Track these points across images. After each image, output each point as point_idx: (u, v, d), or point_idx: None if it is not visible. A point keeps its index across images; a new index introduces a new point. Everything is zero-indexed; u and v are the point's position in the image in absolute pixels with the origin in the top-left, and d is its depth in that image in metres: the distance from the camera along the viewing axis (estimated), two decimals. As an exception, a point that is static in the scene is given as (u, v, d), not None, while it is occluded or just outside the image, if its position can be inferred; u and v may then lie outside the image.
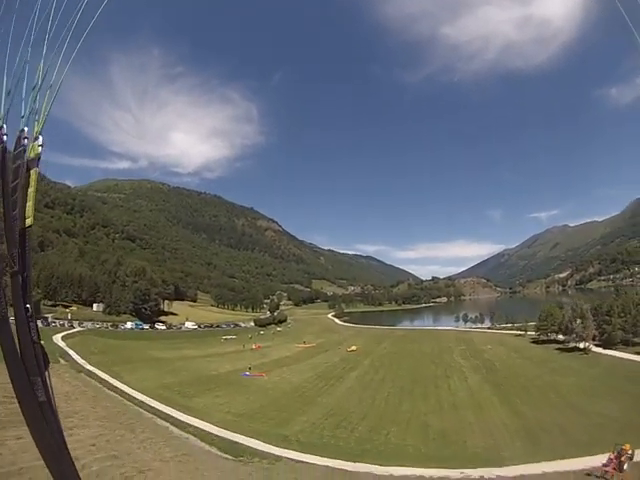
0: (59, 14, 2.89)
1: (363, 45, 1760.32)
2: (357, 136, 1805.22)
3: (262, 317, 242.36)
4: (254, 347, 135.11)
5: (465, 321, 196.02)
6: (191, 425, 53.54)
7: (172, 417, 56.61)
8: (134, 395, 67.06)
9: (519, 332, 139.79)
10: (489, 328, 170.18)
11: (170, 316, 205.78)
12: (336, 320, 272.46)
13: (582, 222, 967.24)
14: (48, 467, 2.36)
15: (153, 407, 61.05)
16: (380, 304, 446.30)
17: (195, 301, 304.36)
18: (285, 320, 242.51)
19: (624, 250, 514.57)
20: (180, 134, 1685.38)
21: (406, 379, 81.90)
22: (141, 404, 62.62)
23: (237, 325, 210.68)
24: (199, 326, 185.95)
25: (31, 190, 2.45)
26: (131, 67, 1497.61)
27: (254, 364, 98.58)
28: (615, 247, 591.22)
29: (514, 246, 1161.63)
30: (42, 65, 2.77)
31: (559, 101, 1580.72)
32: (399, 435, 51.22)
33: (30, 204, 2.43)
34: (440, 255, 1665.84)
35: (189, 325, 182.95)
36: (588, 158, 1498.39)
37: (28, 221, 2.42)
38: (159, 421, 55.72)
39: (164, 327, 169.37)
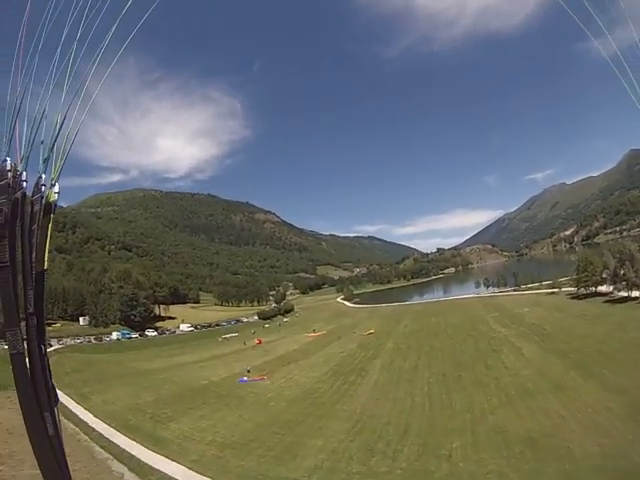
0: (76, 66, 3.00)
1: (339, 24, 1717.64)
2: (344, 116, 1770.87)
3: (266, 309, 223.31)
4: (256, 342, 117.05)
5: (487, 286, 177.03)
6: (156, 470, 35.52)
7: (133, 458, 38.50)
8: (93, 425, 48.43)
9: (551, 290, 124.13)
10: (515, 290, 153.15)
11: (168, 321, 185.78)
12: (346, 303, 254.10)
13: (579, 178, 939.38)
14: None
15: (112, 442, 42.57)
16: (389, 282, 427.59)
17: (198, 302, 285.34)
18: (292, 310, 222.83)
19: (627, 201, 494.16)
20: (166, 139, 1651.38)
21: (445, 362, 63.19)
22: (98, 438, 44.01)
23: (239, 321, 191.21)
24: (195, 327, 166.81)
25: (47, 235, 2.58)
26: (108, 79, 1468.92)
27: (255, 364, 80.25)
28: (615, 200, 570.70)
29: (513, 210, 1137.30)
30: (59, 115, 2.85)
31: (541, 59, 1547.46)
32: (467, 454, 32.76)
33: (46, 249, 2.56)
34: (441, 227, 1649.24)
35: (184, 328, 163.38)
36: (577, 114, 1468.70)
37: (44, 265, 2.54)
38: (115, 465, 37.63)
39: (155, 333, 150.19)
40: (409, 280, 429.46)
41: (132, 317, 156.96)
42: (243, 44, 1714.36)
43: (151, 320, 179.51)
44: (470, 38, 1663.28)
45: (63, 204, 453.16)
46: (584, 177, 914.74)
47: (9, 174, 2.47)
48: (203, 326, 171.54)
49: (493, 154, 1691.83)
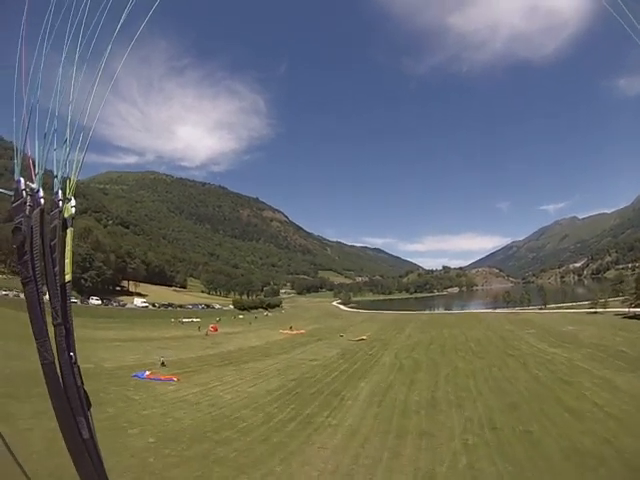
0: (81, 75, 2.86)
1: (372, 34, 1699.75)
2: (364, 126, 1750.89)
3: (245, 299, 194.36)
4: (211, 330, 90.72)
5: (507, 302, 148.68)
6: None
7: None
8: None
9: (592, 310, 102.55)
10: (540, 309, 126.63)
11: (135, 297, 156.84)
12: (341, 307, 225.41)
13: (591, 214, 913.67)
14: None
15: None
16: (390, 293, 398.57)
17: (185, 287, 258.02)
18: (278, 305, 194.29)
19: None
20: (187, 127, 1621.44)
21: (486, 396, 33.53)
22: None
23: (209, 306, 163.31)
24: (153, 305, 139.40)
25: (68, 248, 2.57)
26: (136, 60, 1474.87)
27: (182, 357, 52.67)
28: (626, 238, 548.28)
29: (522, 238, 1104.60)
30: (68, 131, 2.78)
31: (567, 92, 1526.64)
32: None
33: (68, 261, 2.57)
34: (448, 248, 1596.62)
35: (138, 303, 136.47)
36: (596, 150, 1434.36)
37: (67, 277, 2.54)
38: None
39: (99, 302, 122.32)
40: (412, 293, 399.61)
41: (82, 281, 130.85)
42: (274, 42, 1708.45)
43: (116, 293, 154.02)
44: (499, 63, 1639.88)
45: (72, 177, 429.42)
46: (596, 213, 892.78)
47: (24, 193, 2.46)
48: (163, 305, 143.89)
49: (508, 181, 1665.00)
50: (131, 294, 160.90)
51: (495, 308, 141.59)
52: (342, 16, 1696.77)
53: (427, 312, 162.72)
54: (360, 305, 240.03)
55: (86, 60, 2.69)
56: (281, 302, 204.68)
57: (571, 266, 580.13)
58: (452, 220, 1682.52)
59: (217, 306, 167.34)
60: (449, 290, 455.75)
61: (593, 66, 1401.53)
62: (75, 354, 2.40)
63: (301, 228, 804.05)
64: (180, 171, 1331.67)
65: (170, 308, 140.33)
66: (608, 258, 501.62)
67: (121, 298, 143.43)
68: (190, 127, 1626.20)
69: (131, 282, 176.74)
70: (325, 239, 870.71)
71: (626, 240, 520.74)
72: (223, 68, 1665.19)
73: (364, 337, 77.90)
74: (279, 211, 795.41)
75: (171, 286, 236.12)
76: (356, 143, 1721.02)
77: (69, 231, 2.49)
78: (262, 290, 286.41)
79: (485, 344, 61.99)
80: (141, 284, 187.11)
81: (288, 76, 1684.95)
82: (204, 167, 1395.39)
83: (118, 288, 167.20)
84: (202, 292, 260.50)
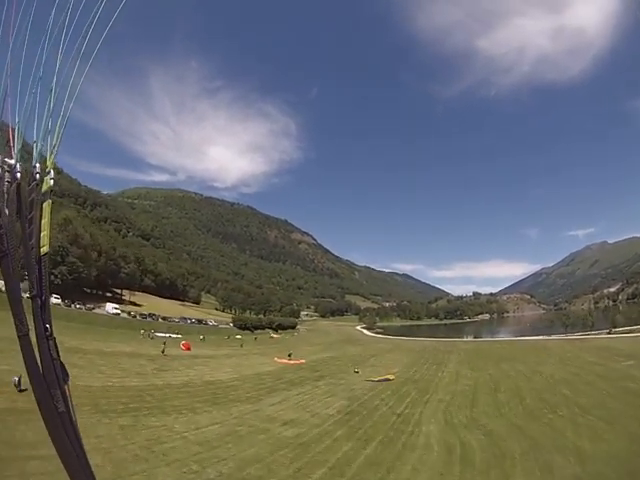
0: (62, 53, 2.81)
1: (401, 58, 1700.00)
2: (393, 151, 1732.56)
3: (248, 316, 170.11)
4: (182, 347, 73.19)
5: (566, 326, 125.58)
6: None
7: None
8: None
9: None
10: (608, 333, 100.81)
11: (128, 306, 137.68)
12: (365, 332, 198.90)
13: (621, 238, 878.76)
14: (67, 472, 2.41)
15: None
16: (418, 318, 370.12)
17: (198, 303, 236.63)
18: (293, 327, 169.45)
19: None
20: (218, 149, 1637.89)
21: None
22: None
23: (201, 322, 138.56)
24: (129, 313, 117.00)
25: (45, 221, 2.56)
26: (169, 79, 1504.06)
27: (81, 385, 28.16)
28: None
29: (552, 265, 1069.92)
30: (50, 104, 2.79)
31: (593, 113, 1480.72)
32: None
33: (45, 234, 2.54)
34: (476, 275, 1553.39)
35: (109, 309, 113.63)
36: (624, 172, 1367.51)
37: (44, 249, 2.51)
38: None
39: (60, 301, 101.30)
40: (441, 319, 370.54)
41: (52, 277, 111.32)
42: (305, 66, 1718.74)
43: (105, 299, 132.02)
44: (526, 86, 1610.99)
45: (103, 191, 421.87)
46: (627, 237, 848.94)
47: (0, 169, 2.45)
48: (142, 315, 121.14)
49: (536, 207, 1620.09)
50: (123, 302, 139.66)
51: (550, 334, 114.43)
52: (373, 41, 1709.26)
53: (467, 339, 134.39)
54: (386, 330, 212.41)
55: (69, 34, 2.66)
56: (296, 324, 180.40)
57: (605, 291, 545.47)
58: (480, 247, 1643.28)
59: (211, 322, 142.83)
60: (480, 317, 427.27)
61: (619, 86, 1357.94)
62: (51, 326, 2.36)
63: (329, 251, 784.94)
64: (210, 191, 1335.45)
65: (149, 319, 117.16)
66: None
67: (104, 304, 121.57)
68: (222, 148, 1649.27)
69: (125, 289, 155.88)
70: (354, 263, 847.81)
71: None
72: (255, 90, 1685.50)
73: (390, 376, 51.50)
74: (307, 234, 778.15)
75: (183, 300, 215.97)
76: (385, 169, 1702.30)
77: (46, 204, 2.47)
78: (280, 310, 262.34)
79: (584, 389, 35.90)
80: (140, 293, 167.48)
81: (319, 100, 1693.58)
82: (234, 188, 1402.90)
83: (109, 294, 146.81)
84: (216, 309, 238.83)
